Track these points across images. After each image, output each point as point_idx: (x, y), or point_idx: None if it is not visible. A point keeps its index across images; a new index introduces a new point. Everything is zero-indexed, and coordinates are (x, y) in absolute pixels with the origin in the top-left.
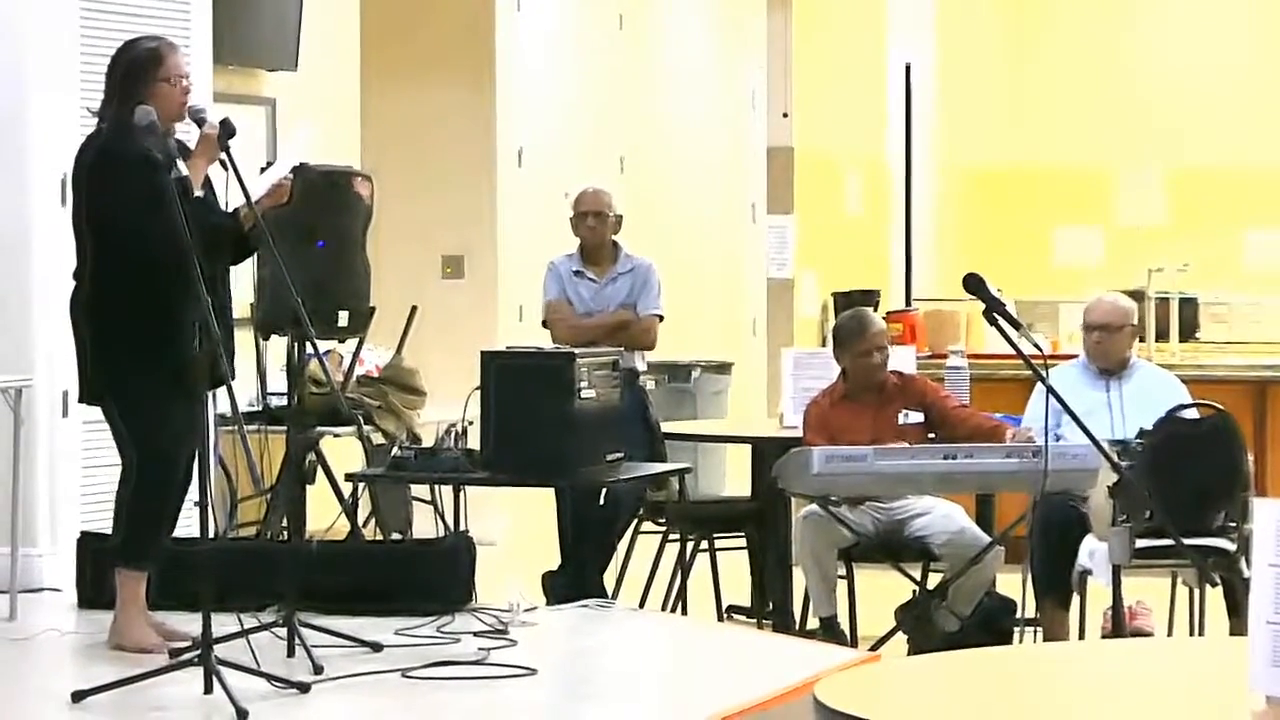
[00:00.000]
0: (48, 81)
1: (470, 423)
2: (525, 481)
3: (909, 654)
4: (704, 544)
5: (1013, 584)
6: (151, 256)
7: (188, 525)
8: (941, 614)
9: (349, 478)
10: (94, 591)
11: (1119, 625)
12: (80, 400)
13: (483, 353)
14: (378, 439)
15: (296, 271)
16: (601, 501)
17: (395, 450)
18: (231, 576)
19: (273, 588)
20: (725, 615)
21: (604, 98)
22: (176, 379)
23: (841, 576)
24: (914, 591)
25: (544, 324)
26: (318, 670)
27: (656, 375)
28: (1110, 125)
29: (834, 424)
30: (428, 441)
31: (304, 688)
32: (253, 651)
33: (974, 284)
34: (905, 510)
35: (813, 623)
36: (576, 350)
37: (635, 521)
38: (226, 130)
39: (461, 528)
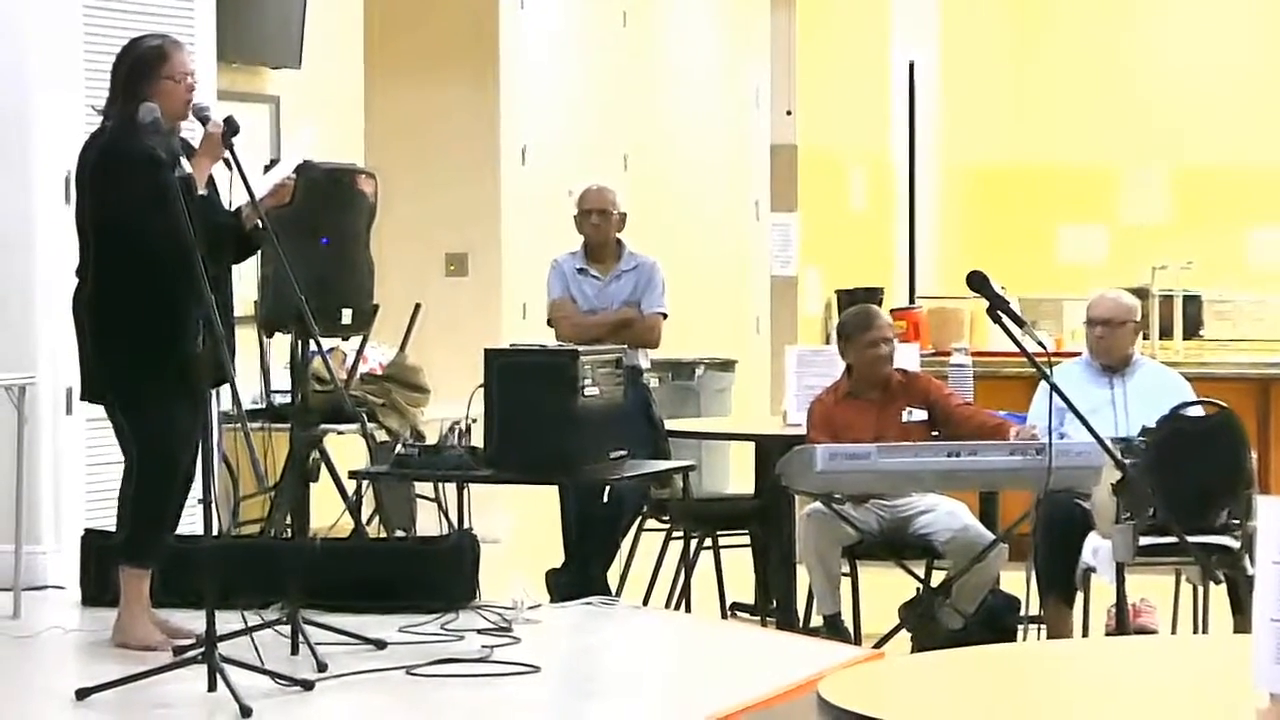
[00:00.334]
0: (51, 79)
1: (474, 420)
2: (529, 479)
3: (913, 651)
4: (708, 542)
5: (1016, 582)
6: (155, 255)
7: (191, 523)
8: (945, 612)
9: (353, 475)
10: (98, 589)
11: (1123, 623)
12: (83, 398)
13: (486, 350)
14: (381, 437)
15: (300, 269)
16: (605, 499)
17: (399, 448)
18: (235, 574)
19: (276, 585)
20: (729, 613)
21: (608, 95)
22: (180, 377)
23: (845, 574)
24: (918, 589)
25: (548, 322)
26: (321, 668)
27: (660, 373)
28: (1114, 123)
29: (838, 421)
30: (431, 439)
31: (308, 685)
32: (256, 649)
33: (978, 282)
34: (909, 508)
35: (816, 620)
36: (580, 348)
37: (639, 519)
38: (230, 128)
39: (465, 525)
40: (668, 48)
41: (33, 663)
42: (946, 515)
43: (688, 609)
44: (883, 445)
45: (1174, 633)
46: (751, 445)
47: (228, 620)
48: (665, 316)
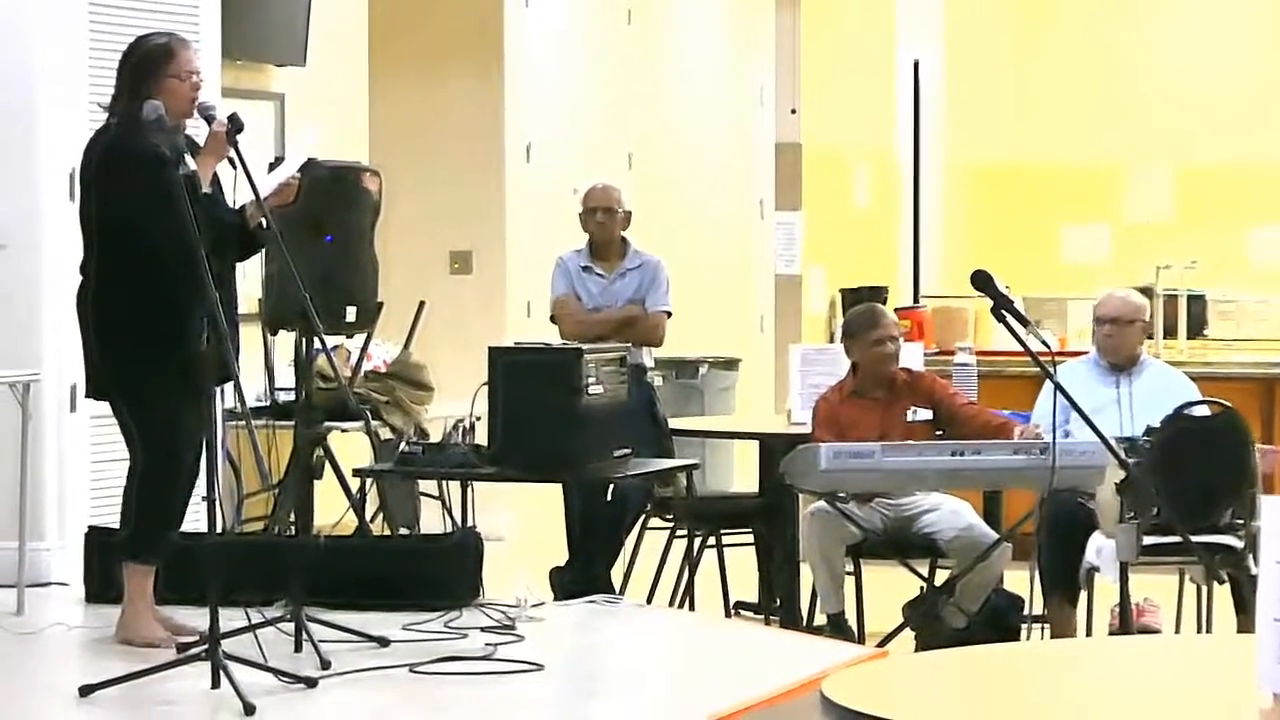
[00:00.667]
0: (56, 77)
1: (478, 418)
2: (533, 477)
3: (916, 650)
4: (711, 540)
5: (1020, 581)
6: (159, 252)
7: (195, 520)
8: (949, 611)
9: (357, 473)
10: (101, 586)
11: (1126, 622)
12: (87, 395)
13: (490, 348)
14: (385, 434)
15: (304, 267)
16: (609, 497)
17: (403, 445)
18: (239, 571)
19: (280, 582)
20: (732, 611)
21: (612, 94)
22: (184, 374)
23: (849, 573)
24: (921, 588)
25: (552, 319)
26: (325, 665)
27: (664, 371)
28: (1118, 123)
29: (842, 420)
30: (435, 437)
31: (311, 682)
32: (260, 646)
33: (982, 281)
34: (913, 507)
35: (820, 619)
36: (584, 346)
37: (643, 517)
38: (235, 125)
39: (469, 523)
40: (672, 46)
41: (36, 659)
42: (950, 514)
43: (691, 607)
44: (887, 444)
45: (1177, 633)
46: (755, 444)
47: (231, 617)
48: (669, 315)
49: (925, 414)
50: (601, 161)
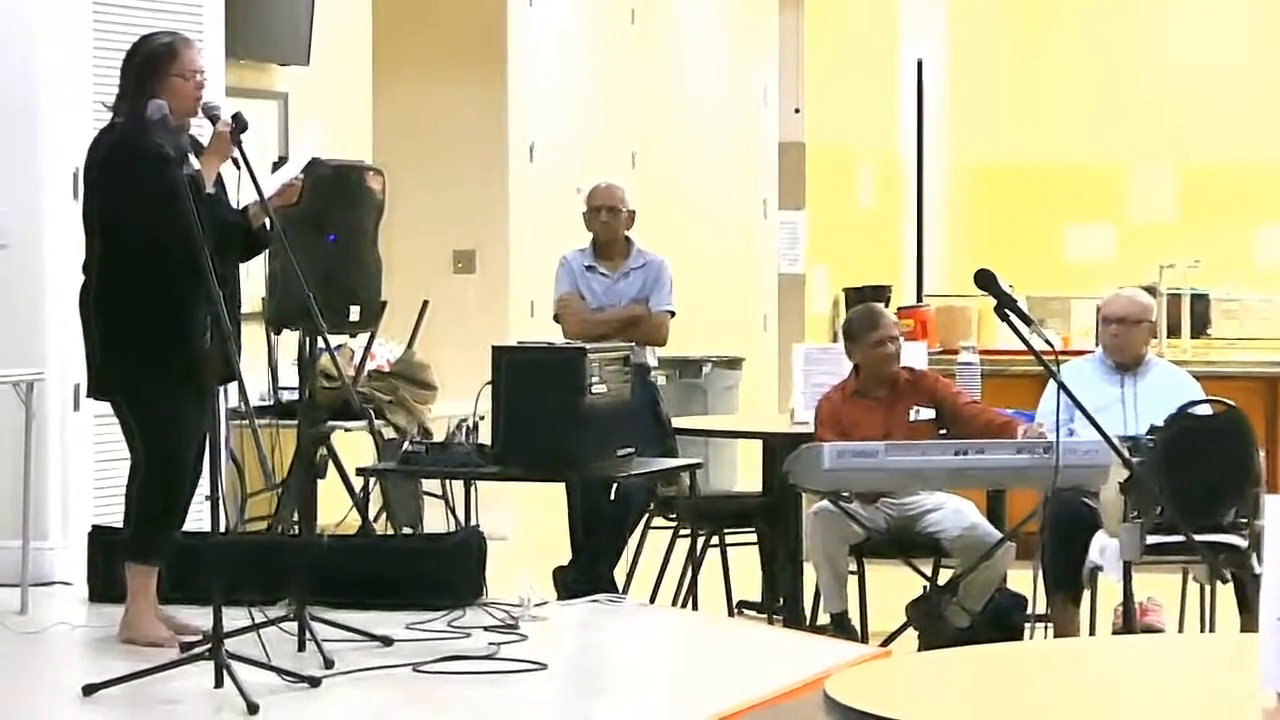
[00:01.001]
0: (60, 77)
1: (481, 417)
2: (536, 476)
3: (920, 650)
4: (715, 539)
5: (1023, 580)
6: (163, 252)
7: (199, 519)
8: (952, 610)
9: (360, 472)
10: (105, 585)
11: (1129, 621)
12: (89, 395)
13: (494, 347)
14: (389, 433)
15: (308, 266)
16: (612, 497)
17: (406, 445)
18: (242, 571)
19: (283, 582)
20: (736, 610)
21: (616, 93)
22: (187, 374)
23: (852, 572)
24: (925, 587)
25: (555, 318)
26: (328, 664)
27: (668, 370)
28: (1121, 122)
29: (845, 420)
30: (439, 436)
31: (314, 682)
32: (263, 646)
33: (986, 280)
34: (916, 506)
35: (823, 618)
36: (587, 345)
37: (646, 517)
38: (239, 125)
39: (472, 522)
40: (676, 45)
41: (40, 658)
42: (954, 513)
43: (694, 607)
44: (890, 443)
45: (1181, 632)
46: (759, 443)
47: (235, 617)
48: (673, 314)
49: (928, 413)
50: (605, 161)
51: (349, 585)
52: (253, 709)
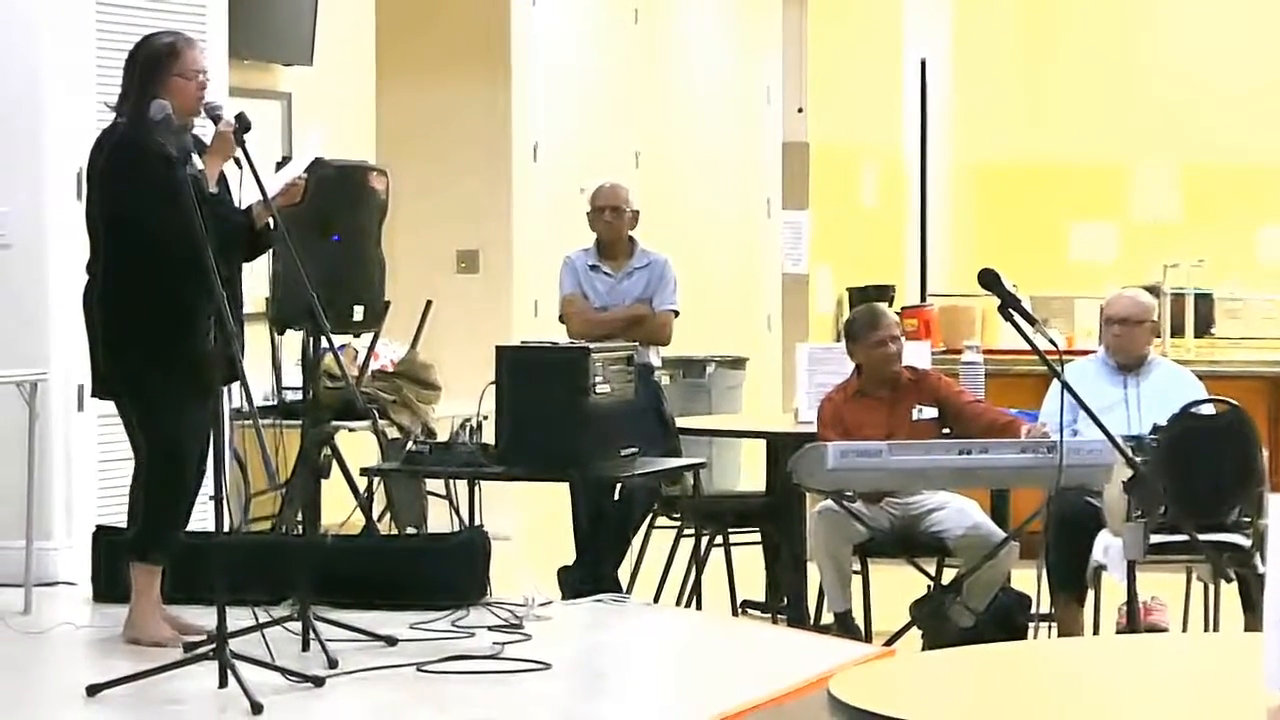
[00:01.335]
0: (63, 77)
1: (485, 417)
2: (539, 476)
3: (923, 649)
4: (719, 539)
5: (1027, 579)
6: (166, 251)
7: (203, 519)
8: (956, 609)
9: (364, 472)
10: (109, 585)
11: (1133, 621)
12: (94, 395)
13: (497, 347)
14: (392, 433)
15: (311, 266)
16: (616, 497)
17: (410, 444)
18: (246, 571)
19: (287, 582)
20: (740, 610)
21: (619, 93)
22: (190, 374)
23: (856, 571)
24: (929, 587)
25: (559, 318)
26: (332, 664)
27: (671, 370)
28: (1125, 121)
29: (849, 419)
30: (442, 436)
31: (318, 682)
32: (267, 645)
33: (989, 279)
34: (920, 505)
35: (827, 618)
36: (591, 345)
37: (650, 516)
38: (242, 124)
39: (476, 522)
40: (679, 45)
41: (44, 658)
42: (957, 513)
43: (698, 606)
44: (894, 443)
45: (1185, 631)
46: (762, 443)
47: (239, 616)
48: (677, 314)
49: (931, 412)
50: (608, 161)
51: (353, 585)
52: (257, 709)
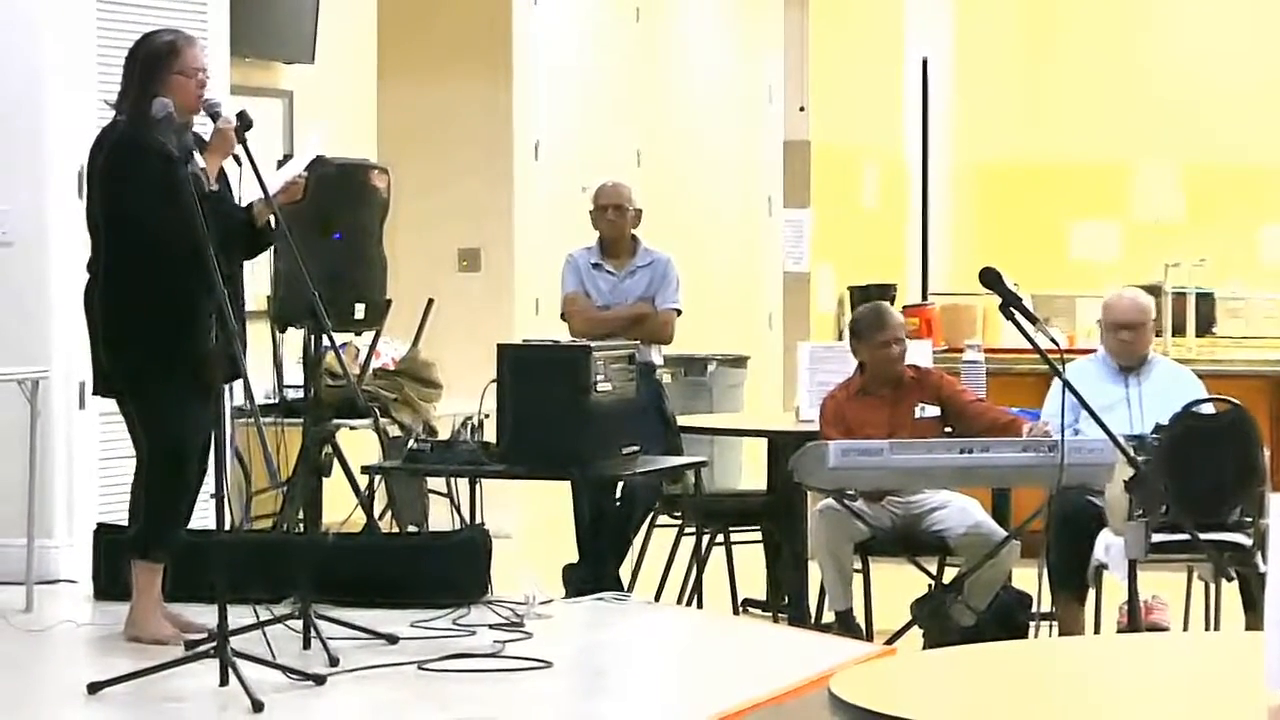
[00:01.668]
0: (64, 75)
1: (486, 415)
2: (541, 474)
3: (924, 648)
4: (720, 537)
5: (1029, 578)
6: (167, 249)
7: (204, 517)
8: (957, 608)
9: (365, 470)
10: (110, 583)
11: (1135, 620)
12: (95, 393)
13: (499, 345)
14: (394, 431)
15: (313, 264)
16: (618, 496)
17: (411, 443)
18: (247, 569)
19: (289, 580)
20: (741, 609)
21: (620, 91)
22: (192, 372)
23: (857, 570)
24: (930, 585)
25: (561, 316)
26: (333, 662)
27: (673, 369)
28: (1126, 120)
29: (850, 418)
30: (444, 434)
31: (320, 680)
32: (268, 643)
33: (991, 278)
34: (921, 504)
35: (828, 616)
36: (593, 343)
37: (651, 515)
38: (244, 122)
39: (477, 520)
40: (680, 44)
41: (45, 656)
42: (959, 512)
43: (699, 605)
44: (895, 441)
45: (1186, 630)
46: (764, 441)
47: (240, 615)
48: (679, 313)
49: (933, 411)
50: (610, 159)
51: (354, 583)
52: (258, 707)
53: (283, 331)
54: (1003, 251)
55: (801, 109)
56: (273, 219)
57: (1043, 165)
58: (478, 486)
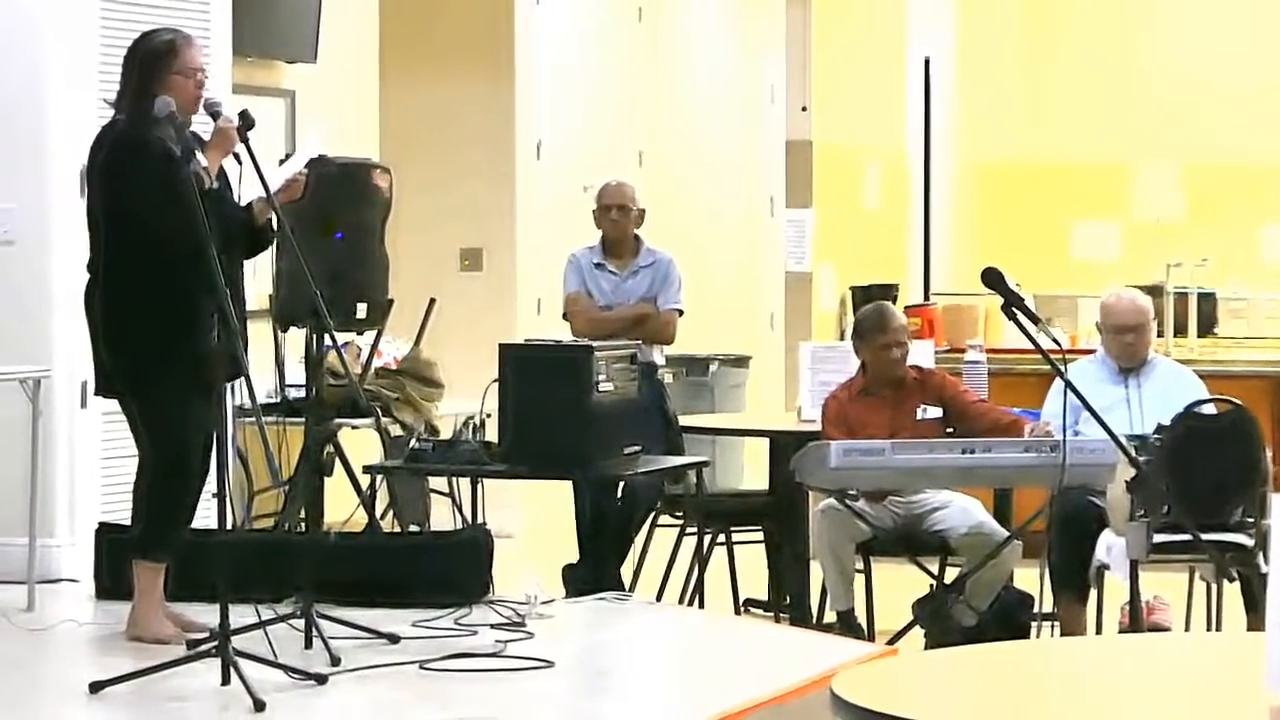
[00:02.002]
0: (67, 75)
1: (488, 415)
2: (543, 474)
3: (926, 648)
4: (721, 537)
5: (1030, 578)
6: (168, 248)
7: (205, 517)
8: (959, 608)
9: (367, 470)
10: (112, 582)
11: (1136, 620)
12: (97, 393)
13: (501, 345)
14: (396, 431)
15: (315, 263)
16: (619, 494)
17: (413, 442)
18: (249, 568)
19: (290, 579)
20: (742, 609)
21: (623, 91)
22: (194, 371)
23: (859, 570)
24: (931, 585)
25: (564, 316)
26: (335, 662)
27: (675, 368)
28: (1128, 120)
29: (852, 418)
30: (446, 434)
31: (321, 679)
32: (270, 643)
33: (992, 278)
34: (923, 504)
35: (830, 616)
36: (595, 343)
37: (652, 515)
38: (246, 122)
39: (479, 520)
40: (683, 44)
41: (46, 656)
42: (960, 512)
43: (701, 605)
44: (897, 442)
45: (1187, 630)
46: (765, 441)
47: (241, 614)
48: (681, 313)
49: (935, 412)
50: (612, 159)
51: (355, 583)
52: (259, 706)
53: (285, 331)
54: (1004, 251)
55: (804, 109)
56: (273, 217)
57: (1044, 165)
58: (479, 486)
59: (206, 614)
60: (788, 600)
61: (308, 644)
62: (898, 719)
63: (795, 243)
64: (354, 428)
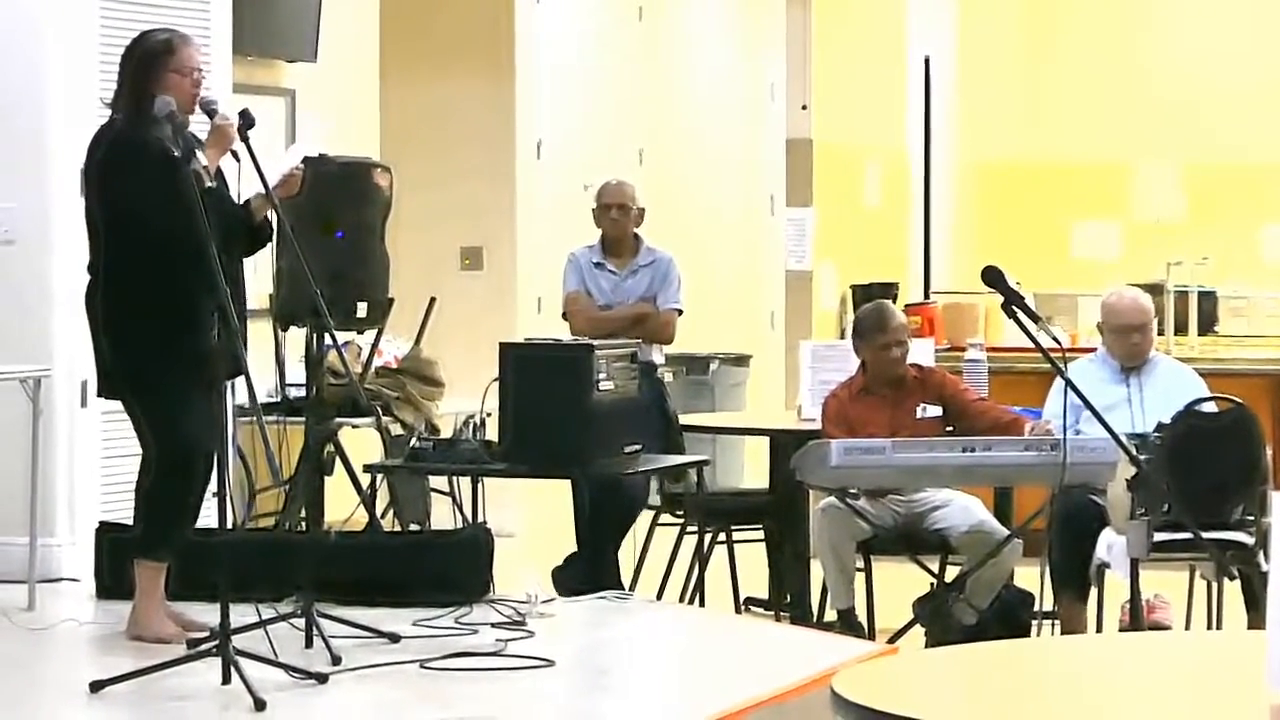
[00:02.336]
0: (67, 75)
1: (488, 414)
2: (543, 473)
3: (926, 646)
4: (721, 536)
5: (1031, 577)
6: (169, 247)
7: (206, 516)
8: (959, 607)
9: (367, 469)
10: (112, 581)
11: (1137, 619)
12: (99, 394)
13: (501, 344)
14: (396, 430)
15: (315, 262)
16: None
17: (413, 441)
18: (250, 567)
19: (291, 578)
20: (743, 607)
21: (623, 90)
22: (196, 371)
23: (859, 569)
24: (932, 584)
25: (564, 315)
26: (336, 661)
27: (675, 367)
28: (1128, 119)
29: (852, 417)
30: (446, 433)
31: (322, 678)
32: (271, 642)
33: (993, 277)
34: (924, 503)
35: (830, 615)
36: (595, 342)
37: (653, 514)
38: (246, 121)
39: (479, 519)
40: (683, 42)
41: (47, 655)
42: (961, 510)
43: (701, 603)
44: (897, 440)
45: (1188, 629)
46: (766, 440)
47: (242, 613)
48: (680, 312)
49: (935, 410)
50: (612, 158)
51: (356, 582)
52: (260, 705)
53: (285, 330)
54: (1004, 250)
55: (804, 108)
56: (271, 214)
57: (1044, 164)
58: (480, 485)
59: (207, 613)
60: (788, 599)
61: (308, 643)
62: (898, 718)
63: (795, 241)
64: (354, 427)
